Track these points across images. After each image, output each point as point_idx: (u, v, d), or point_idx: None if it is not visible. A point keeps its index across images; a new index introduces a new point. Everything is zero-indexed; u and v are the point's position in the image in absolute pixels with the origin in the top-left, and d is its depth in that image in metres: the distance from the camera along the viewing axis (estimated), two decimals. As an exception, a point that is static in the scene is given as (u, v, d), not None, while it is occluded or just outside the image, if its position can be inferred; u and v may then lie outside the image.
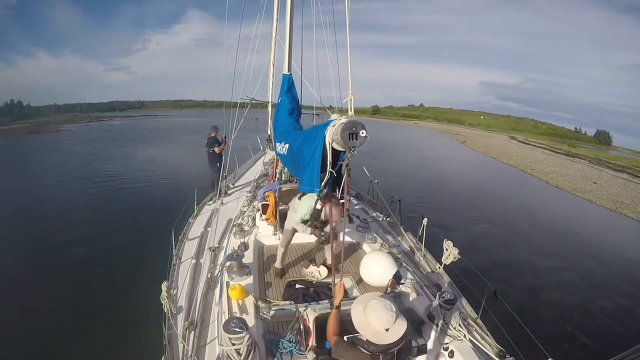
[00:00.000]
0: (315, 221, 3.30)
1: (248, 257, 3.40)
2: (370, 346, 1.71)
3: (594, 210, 15.45)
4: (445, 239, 3.59)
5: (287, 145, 3.56)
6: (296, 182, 4.53)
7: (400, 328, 1.72)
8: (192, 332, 2.75)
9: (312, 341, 2.35)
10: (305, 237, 3.66)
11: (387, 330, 1.68)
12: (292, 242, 3.69)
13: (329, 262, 3.61)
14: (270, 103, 7.48)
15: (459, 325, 2.52)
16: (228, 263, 3.13)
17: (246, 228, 4.13)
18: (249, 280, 3.05)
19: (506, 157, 29.29)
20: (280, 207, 4.12)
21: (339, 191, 2.97)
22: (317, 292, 3.19)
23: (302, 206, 3.25)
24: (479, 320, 2.88)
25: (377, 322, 1.68)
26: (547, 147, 43.62)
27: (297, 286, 3.35)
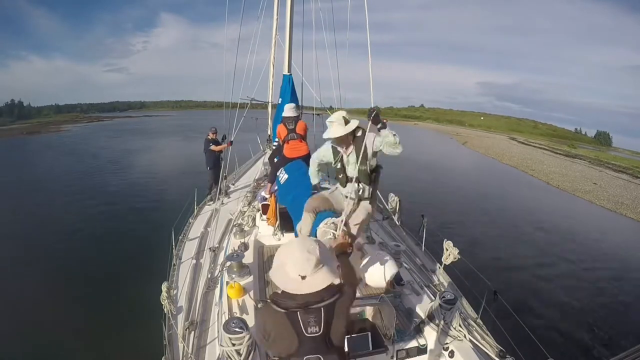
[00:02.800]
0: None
1: (248, 258, 3.38)
2: (285, 300, 1.38)
3: (595, 210, 15.45)
4: (445, 239, 3.58)
5: (286, 176, 3.84)
6: None
7: (321, 276, 1.38)
8: (192, 333, 2.74)
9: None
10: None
11: (303, 277, 1.34)
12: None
13: None
14: (270, 103, 7.49)
15: (459, 325, 2.51)
16: (228, 263, 3.11)
17: (246, 228, 4.11)
18: (249, 280, 3.04)
19: (507, 157, 29.30)
20: (280, 207, 4.12)
21: None
22: None
23: None
24: (479, 320, 2.87)
25: (291, 267, 1.36)
26: (547, 147, 43.61)
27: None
